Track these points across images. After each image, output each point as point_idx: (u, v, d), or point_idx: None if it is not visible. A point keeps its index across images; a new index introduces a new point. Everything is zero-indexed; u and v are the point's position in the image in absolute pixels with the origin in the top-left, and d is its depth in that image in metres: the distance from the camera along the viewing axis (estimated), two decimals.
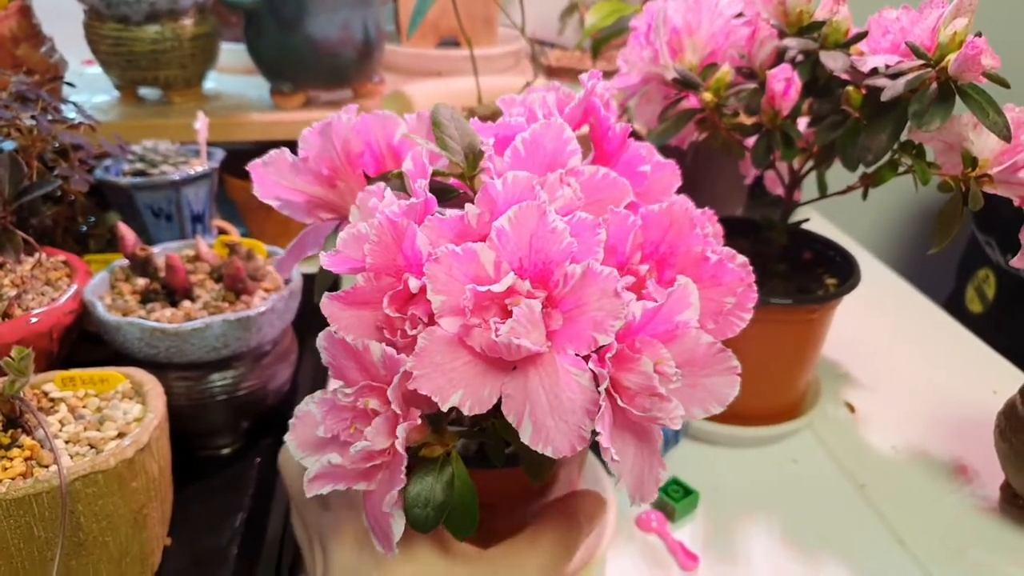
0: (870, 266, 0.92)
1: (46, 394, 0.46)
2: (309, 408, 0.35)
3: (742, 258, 0.35)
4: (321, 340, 0.33)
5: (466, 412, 0.30)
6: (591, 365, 0.30)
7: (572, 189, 0.33)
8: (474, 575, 0.35)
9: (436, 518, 0.32)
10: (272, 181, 0.43)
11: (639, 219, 0.33)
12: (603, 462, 0.57)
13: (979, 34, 0.44)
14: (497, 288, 0.30)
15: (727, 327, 0.36)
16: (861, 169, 0.51)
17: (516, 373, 0.31)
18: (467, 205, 0.33)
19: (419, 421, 0.32)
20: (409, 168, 0.35)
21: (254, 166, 0.43)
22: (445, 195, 0.36)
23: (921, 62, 0.46)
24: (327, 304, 0.33)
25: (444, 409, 0.30)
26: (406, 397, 0.32)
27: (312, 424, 0.34)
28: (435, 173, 0.37)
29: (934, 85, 0.46)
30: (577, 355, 0.31)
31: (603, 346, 0.30)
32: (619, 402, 0.30)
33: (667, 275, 0.34)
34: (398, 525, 0.32)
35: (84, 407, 0.45)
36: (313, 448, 0.34)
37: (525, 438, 0.30)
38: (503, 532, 0.38)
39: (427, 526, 0.32)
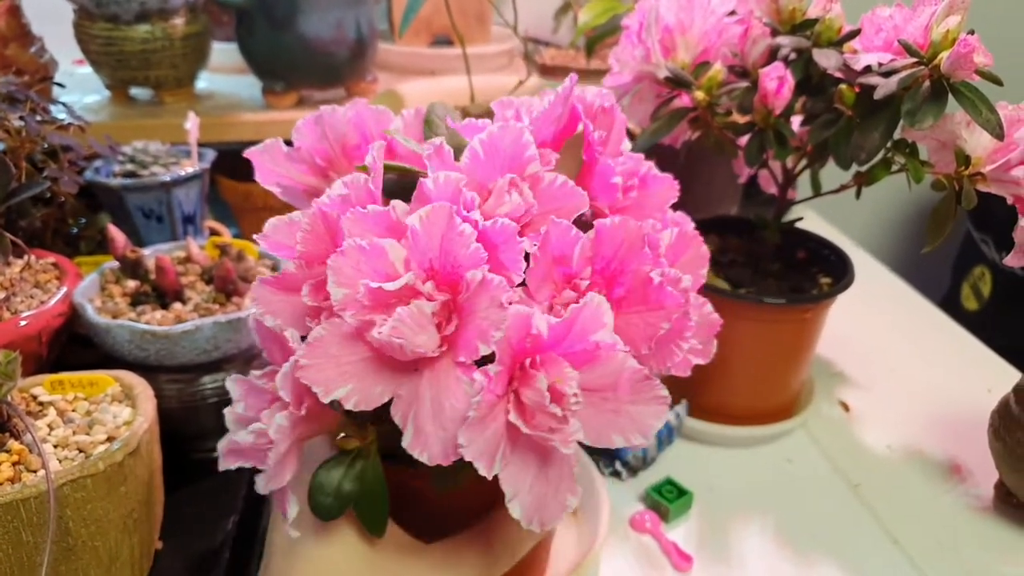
0: (865, 264, 0.92)
1: (35, 398, 0.46)
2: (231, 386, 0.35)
3: (686, 281, 0.34)
4: (250, 322, 0.33)
5: (350, 407, 0.30)
6: (476, 375, 0.30)
7: (523, 196, 0.33)
8: (404, 565, 0.35)
9: (339, 508, 0.32)
10: (268, 168, 0.43)
11: (593, 233, 0.32)
12: (596, 463, 0.57)
13: (972, 32, 0.44)
14: (389, 286, 0.30)
15: (665, 355, 0.34)
16: (855, 168, 0.51)
17: (413, 375, 0.31)
18: (394, 201, 0.32)
19: (304, 412, 0.32)
20: (369, 162, 0.34)
21: (252, 152, 0.43)
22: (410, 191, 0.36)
23: (914, 60, 0.46)
24: (257, 287, 0.33)
25: (324, 401, 0.30)
26: (301, 385, 0.31)
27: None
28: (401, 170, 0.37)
29: (927, 83, 0.45)
30: (469, 363, 0.30)
31: (488, 356, 0.30)
32: (511, 417, 0.30)
33: (616, 293, 0.33)
34: (292, 507, 0.33)
35: (73, 411, 0.45)
36: (239, 425, 0.35)
37: (406, 442, 0.30)
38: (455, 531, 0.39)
39: (328, 514, 0.32)
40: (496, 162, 0.34)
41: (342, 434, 0.34)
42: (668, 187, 0.39)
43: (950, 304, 1.35)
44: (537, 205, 0.33)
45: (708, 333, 0.39)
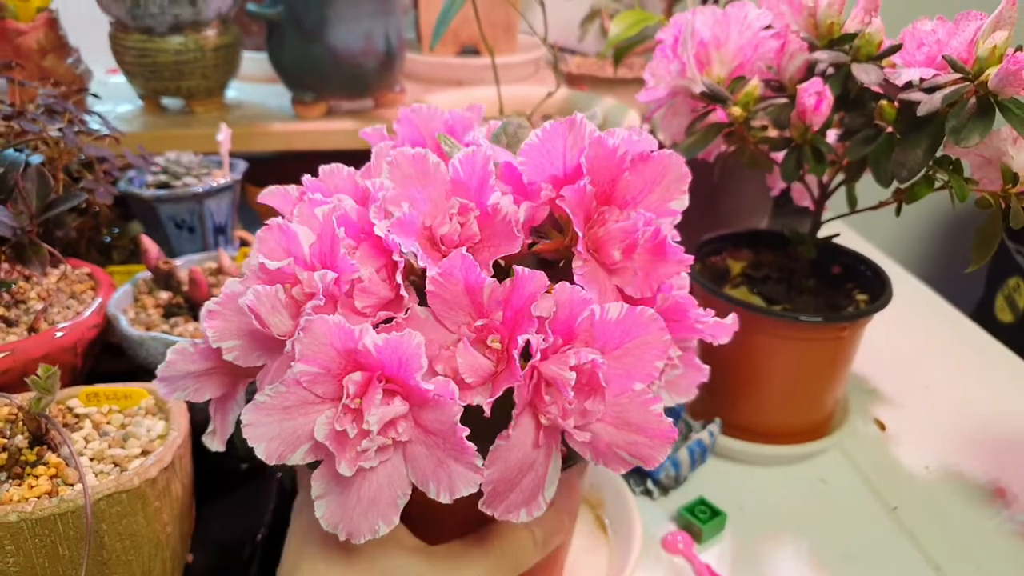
0: (896, 275, 0.90)
1: (71, 410, 0.46)
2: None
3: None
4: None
5: (230, 359, 0.34)
6: (296, 366, 0.31)
7: (457, 225, 0.32)
8: (411, 567, 0.35)
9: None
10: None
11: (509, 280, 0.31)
12: (627, 481, 0.57)
13: (1020, 48, 0.43)
14: (271, 265, 0.33)
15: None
16: (894, 184, 0.50)
17: (278, 353, 0.34)
18: (339, 196, 0.35)
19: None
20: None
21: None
22: None
23: (958, 76, 0.45)
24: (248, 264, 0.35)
25: (213, 345, 0.33)
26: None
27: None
28: None
29: (972, 99, 0.44)
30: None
31: None
32: (325, 422, 0.31)
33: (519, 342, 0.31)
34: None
35: (108, 423, 0.45)
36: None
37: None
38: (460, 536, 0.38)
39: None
40: (464, 183, 0.34)
41: None
42: (675, 261, 0.35)
43: (983, 316, 1.32)
44: (479, 236, 0.33)
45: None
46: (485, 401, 0.29)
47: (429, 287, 0.31)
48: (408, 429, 0.31)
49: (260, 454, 0.31)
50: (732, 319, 0.36)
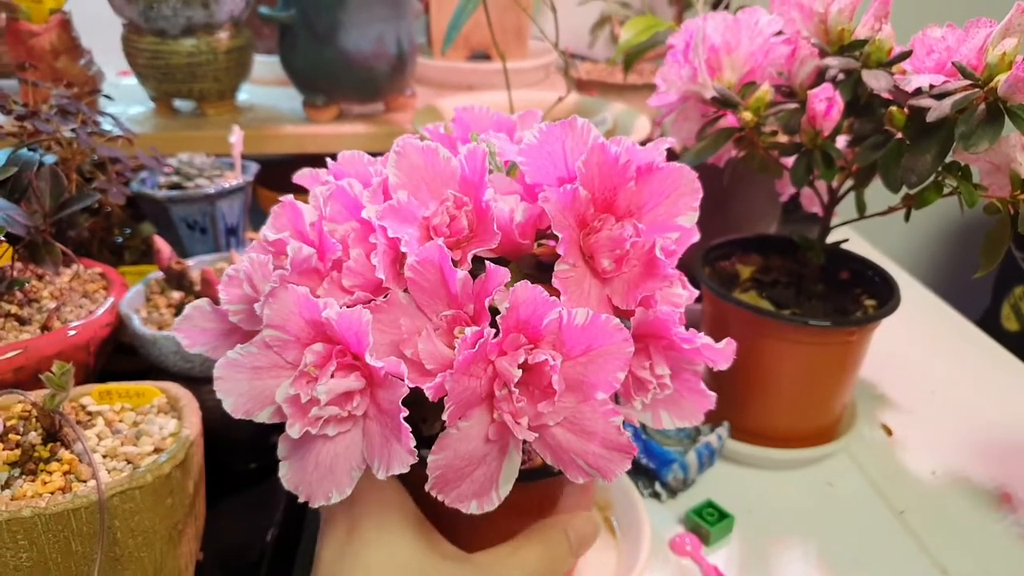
0: (902, 282, 0.89)
1: (83, 407, 0.47)
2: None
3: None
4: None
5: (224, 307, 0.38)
6: (265, 331, 0.34)
7: (447, 217, 0.33)
8: (452, 573, 0.35)
9: None
10: None
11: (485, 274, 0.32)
12: (635, 483, 0.57)
13: None
14: (271, 236, 0.36)
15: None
16: (903, 189, 0.50)
17: None
18: (350, 180, 0.37)
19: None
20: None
21: None
22: None
23: (968, 82, 0.45)
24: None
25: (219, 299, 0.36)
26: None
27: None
28: None
29: (982, 106, 0.45)
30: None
31: None
32: (287, 388, 0.33)
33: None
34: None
35: (121, 421, 0.46)
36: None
37: None
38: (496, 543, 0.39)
39: None
40: (469, 179, 0.35)
41: None
42: (661, 277, 0.34)
43: (989, 324, 1.32)
44: (468, 230, 0.34)
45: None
46: (428, 386, 0.30)
47: (407, 273, 0.32)
48: (364, 405, 0.32)
49: (228, 407, 0.33)
50: (727, 344, 0.35)
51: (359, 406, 0.32)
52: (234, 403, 0.34)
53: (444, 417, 0.30)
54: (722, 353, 0.35)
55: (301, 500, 0.33)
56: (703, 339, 0.34)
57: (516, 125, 0.42)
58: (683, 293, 0.35)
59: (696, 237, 0.37)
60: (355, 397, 0.32)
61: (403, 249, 0.32)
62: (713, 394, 0.35)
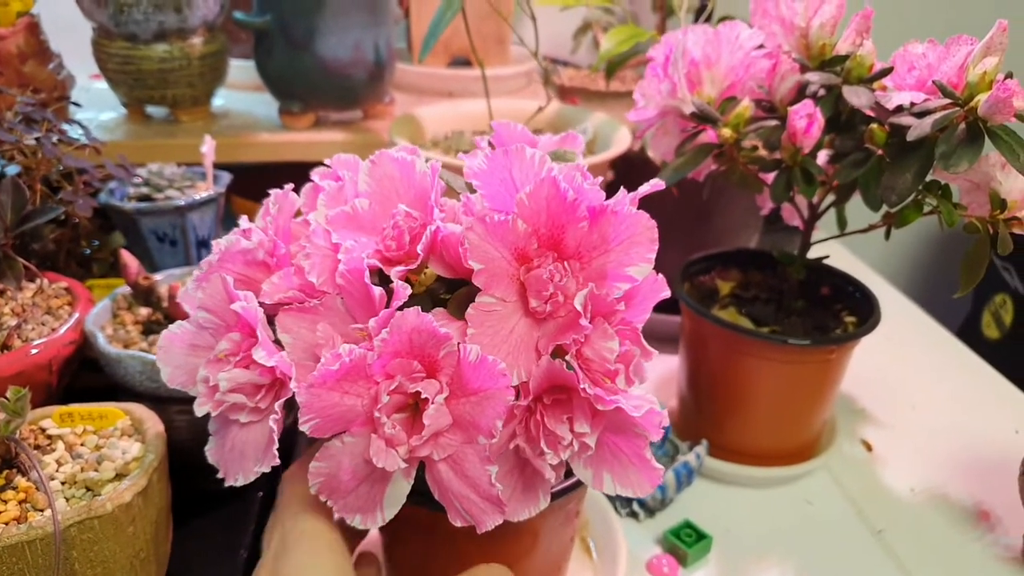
0: (883, 293, 0.90)
1: (43, 430, 0.45)
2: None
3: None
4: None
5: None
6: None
7: (392, 231, 0.33)
8: None
9: None
10: None
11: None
12: (614, 506, 0.56)
13: (1010, 74, 0.43)
14: (243, 224, 0.37)
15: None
16: (883, 207, 0.50)
17: None
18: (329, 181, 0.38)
19: None
20: None
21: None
22: None
23: (949, 101, 0.45)
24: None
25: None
26: None
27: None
28: None
29: (962, 125, 0.44)
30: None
31: None
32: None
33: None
34: None
35: (82, 444, 0.44)
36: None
37: None
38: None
39: None
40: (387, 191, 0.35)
41: None
42: (576, 328, 0.32)
43: (970, 332, 1.33)
44: (408, 246, 0.33)
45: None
46: (298, 398, 0.30)
47: (338, 280, 0.32)
48: (268, 401, 0.33)
49: (164, 377, 0.36)
50: (654, 415, 0.31)
51: (263, 400, 0.33)
52: (171, 374, 0.36)
53: (301, 427, 0.30)
54: (647, 420, 0.31)
55: (221, 476, 0.35)
56: (632, 401, 0.31)
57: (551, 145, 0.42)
58: (614, 348, 0.31)
59: (665, 294, 0.35)
60: (262, 393, 0.33)
61: (339, 256, 0.32)
62: (661, 468, 0.33)
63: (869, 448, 0.67)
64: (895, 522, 0.58)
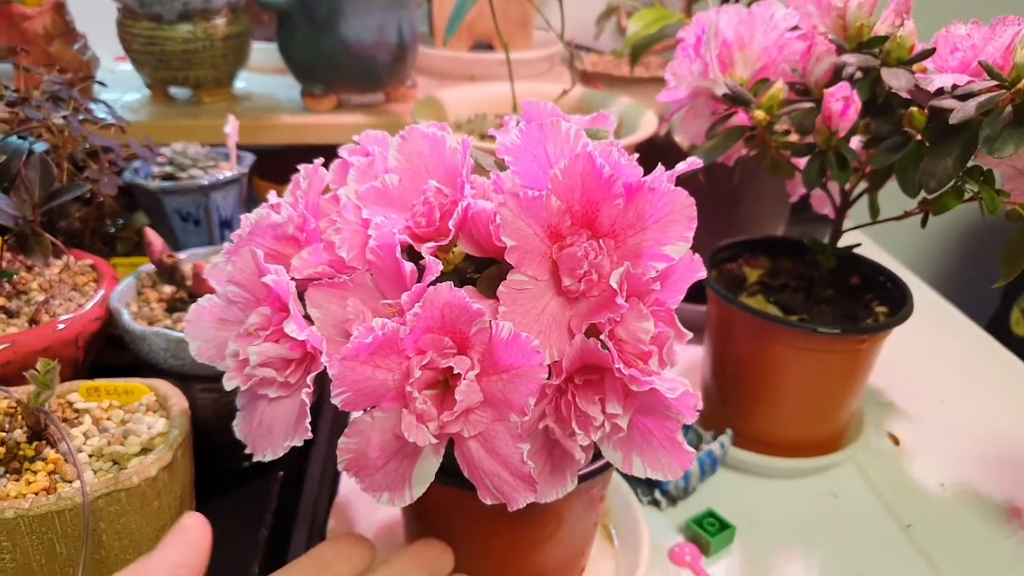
0: (911, 286, 0.88)
1: (70, 404, 0.46)
2: None
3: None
4: None
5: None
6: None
7: (422, 207, 0.33)
8: None
9: None
10: None
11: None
12: (634, 488, 0.55)
13: None
14: (271, 200, 0.37)
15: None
16: (921, 194, 0.49)
17: None
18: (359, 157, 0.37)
19: None
20: None
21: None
22: None
23: (994, 83, 0.43)
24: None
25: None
26: None
27: None
28: None
29: (1008, 108, 0.43)
30: None
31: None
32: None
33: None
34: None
35: (108, 419, 0.44)
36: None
37: None
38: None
39: None
40: (419, 167, 0.35)
41: None
42: (612, 307, 0.32)
43: (997, 328, 1.30)
44: (439, 222, 0.33)
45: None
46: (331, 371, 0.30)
47: (369, 256, 0.32)
48: (298, 376, 0.33)
49: (193, 351, 0.36)
50: (684, 395, 0.31)
51: (292, 375, 0.33)
52: (199, 347, 0.36)
53: (333, 400, 0.30)
54: (681, 401, 0.31)
55: (248, 451, 0.35)
56: (667, 383, 0.30)
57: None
58: (649, 329, 0.31)
59: (701, 274, 0.35)
60: (291, 366, 0.33)
61: (369, 232, 0.32)
62: (692, 451, 0.32)
63: (896, 442, 0.65)
64: (924, 517, 0.57)
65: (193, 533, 0.31)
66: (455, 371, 0.29)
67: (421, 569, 0.34)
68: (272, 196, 0.37)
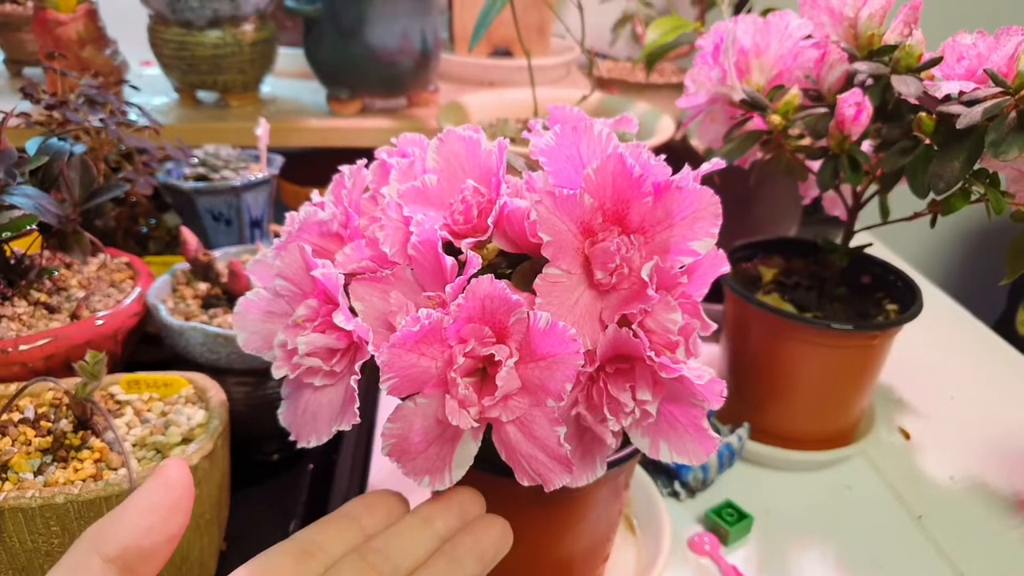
0: (920, 286, 0.90)
1: (112, 396, 0.47)
2: None
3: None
4: None
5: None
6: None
7: (460, 205, 0.35)
8: None
9: None
10: None
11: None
12: (654, 479, 0.57)
13: None
14: (315, 198, 0.39)
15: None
16: (930, 195, 0.50)
17: None
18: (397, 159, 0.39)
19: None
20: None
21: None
22: None
23: (999, 90, 0.45)
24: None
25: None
26: None
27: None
28: None
29: (1013, 114, 0.44)
30: None
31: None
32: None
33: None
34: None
35: (149, 411, 0.46)
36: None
37: None
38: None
39: None
40: (456, 167, 0.37)
41: None
42: (642, 298, 0.33)
43: (1003, 329, 1.31)
44: (476, 220, 0.35)
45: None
46: (379, 358, 0.31)
47: (410, 252, 0.34)
48: (344, 365, 0.34)
49: (240, 342, 0.37)
50: (715, 384, 0.32)
51: (337, 364, 0.34)
52: (247, 339, 0.37)
53: (382, 386, 0.31)
54: (709, 388, 0.32)
55: (292, 438, 0.35)
56: (694, 371, 0.32)
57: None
58: (677, 320, 0.32)
59: (725, 268, 0.36)
60: (337, 355, 0.34)
61: (411, 229, 0.33)
62: (717, 437, 0.34)
63: (907, 436, 0.67)
64: (934, 508, 0.59)
65: (171, 472, 0.30)
66: (495, 359, 0.31)
67: (448, 512, 0.34)
68: (315, 195, 0.39)
